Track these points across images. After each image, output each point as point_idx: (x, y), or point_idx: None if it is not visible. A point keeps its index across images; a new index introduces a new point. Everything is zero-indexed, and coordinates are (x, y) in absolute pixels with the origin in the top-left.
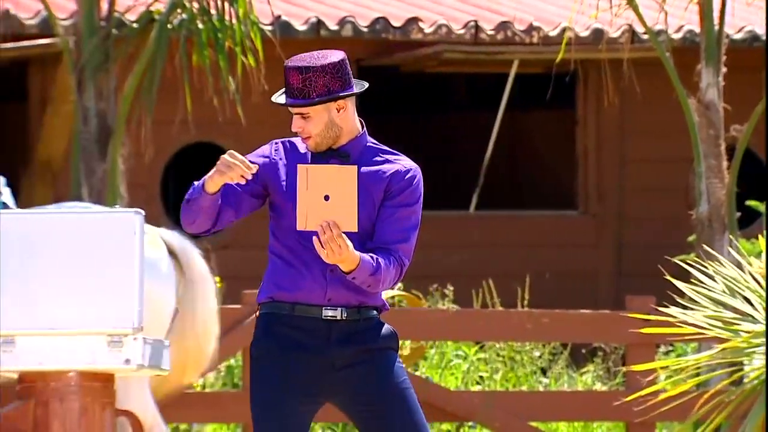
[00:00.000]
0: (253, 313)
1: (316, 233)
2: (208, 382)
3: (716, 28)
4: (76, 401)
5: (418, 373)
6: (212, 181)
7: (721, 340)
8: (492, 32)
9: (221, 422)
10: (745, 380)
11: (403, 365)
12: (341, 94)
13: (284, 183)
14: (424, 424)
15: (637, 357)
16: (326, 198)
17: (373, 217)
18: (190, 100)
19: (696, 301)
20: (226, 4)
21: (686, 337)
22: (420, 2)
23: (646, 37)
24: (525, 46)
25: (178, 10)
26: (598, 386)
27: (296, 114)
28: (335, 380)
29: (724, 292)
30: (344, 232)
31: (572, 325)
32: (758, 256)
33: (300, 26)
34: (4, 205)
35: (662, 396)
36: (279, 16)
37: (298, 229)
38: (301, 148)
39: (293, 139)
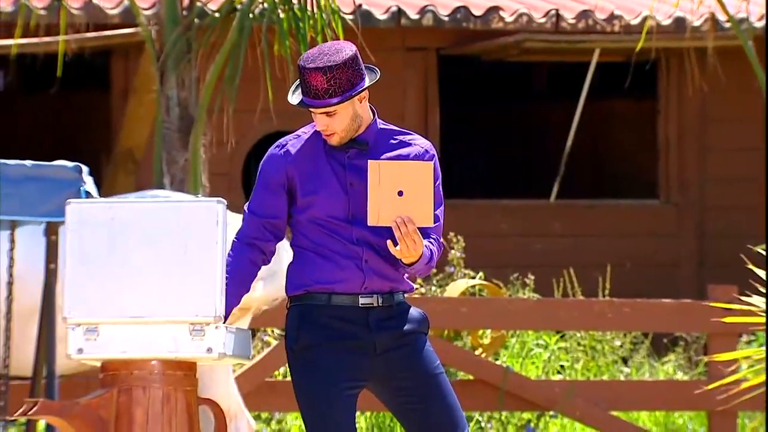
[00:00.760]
0: None
1: (354, 224)
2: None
3: None
4: (158, 389)
5: (498, 362)
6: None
7: None
8: (573, 21)
9: None
10: None
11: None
12: (365, 86)
13: (308, 178)
14: (459, 406)
15: (718, 346)
16: (400, 194)
17: None
18: (271, 89)
19: None
20: None
21: None
22: None
23: (728, 25)
24: (606, 34)
25: (260, 0)
26: (680, 376)
27: (321, 113)
28: (376, 364)
29: None
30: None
31: (653, 314)
32: None
33: (381, 15)
34: (88, 194)
35: (744, 385)
36: (360, 5)
37: (369, 224)
38: (313, 140)
39: (300, 132)
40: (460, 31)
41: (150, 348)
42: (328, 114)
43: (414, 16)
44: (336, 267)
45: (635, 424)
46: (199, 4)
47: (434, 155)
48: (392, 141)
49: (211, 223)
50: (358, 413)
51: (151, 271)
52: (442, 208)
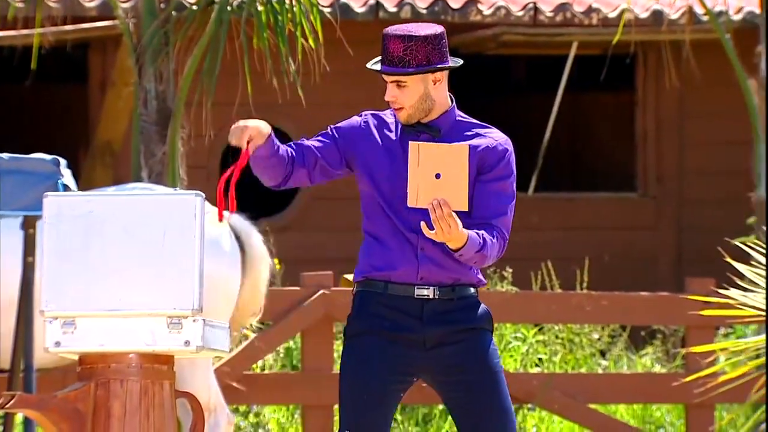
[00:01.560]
0: (311, 296)
1: (412, 211)
2: (267, 364)
3: None
4: (136, 383)
5: None
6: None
7: None
8: (551, 14)
9: (280, 404)
10: None
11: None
12: (440, 66)
13: (374, 157)
14: (512, 411)
15: (696, 339)
16: (437, 176)
17: (469, 193)
18: (250, 82)
19: (756, 283)
20: None
21: (746, 319)
22: None
23: (705, 18)
24: (584, 27)
25: None
26: (658, 368)
27: (392, 82)
28: (426, 359)
29: None
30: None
31: (631, 307)
32: None
33: (359, 8)
34: (65, 187)
35: (721, 378)
36: None
37: (409, 205)
38: (390, 121)
39: (382, 113)
40: (437, 23)
41: (128, 341)
42: (399, 84)
43: (392, 9)
44: (392, 255)
45: (613, 416)
46: None
47: (508, 148)
48: (467, 132)
49: (189, 216)
50: (335, 406)
51: (128, 264)
52: (512, 203)
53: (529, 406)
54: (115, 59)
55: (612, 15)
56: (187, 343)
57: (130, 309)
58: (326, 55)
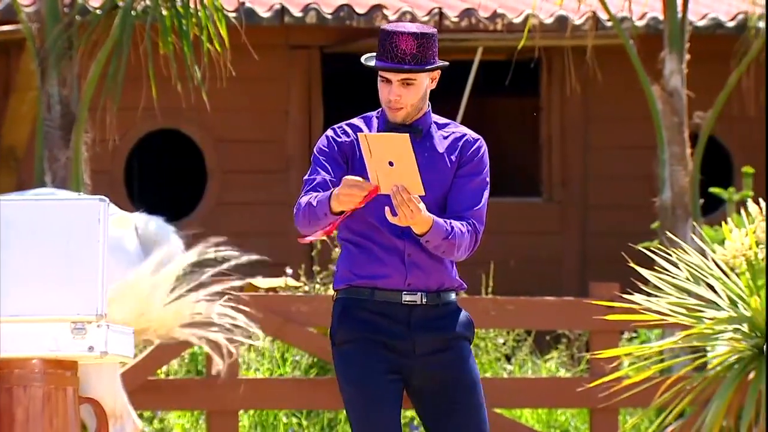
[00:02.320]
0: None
1: (393, 216)
2: (172, 369)
3: (680, 15)
4: (39, 388)
5: None
6: (338, 204)
7: (685, 327)
8: (456, 19)
9: (185, 409)
10: (708, 366)
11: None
12: (444, 64)
13: (354, 161)
14: (486, 421)
15: (600, 343)
16: (390, 164)
17: (446, 189)
18: (155, 87)
19: (660, 288)
20: None
21: (650, 324)
22: None
23: (610, 24)
24: (489, 33)
25: None
26: (562, 373)
27: (399, 80)
28: (415, 364)
29: (687, 279)
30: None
31: (536, 311)
32: (722, 243)
33: (264, 13)
34: None
35: (625, 382)
36: (243, 3)
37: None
38: (362, 123)
39: (352, 121)
40: (343, 29)
41: (31, 347)
42: (406, 83)
43: (297, 14)
44: (378, 261)
45: (518, 421)
46: (80, 1)
47: (482, 146)
48: (443, 132)
49: (92, 221)
50: (240, 411)
51: (32, 269)
52: (485, 198)
53: None
54: (18, 63)
55: (517, 20)
56: (91, 348)
57: (33, 314)
58: (231, 59)
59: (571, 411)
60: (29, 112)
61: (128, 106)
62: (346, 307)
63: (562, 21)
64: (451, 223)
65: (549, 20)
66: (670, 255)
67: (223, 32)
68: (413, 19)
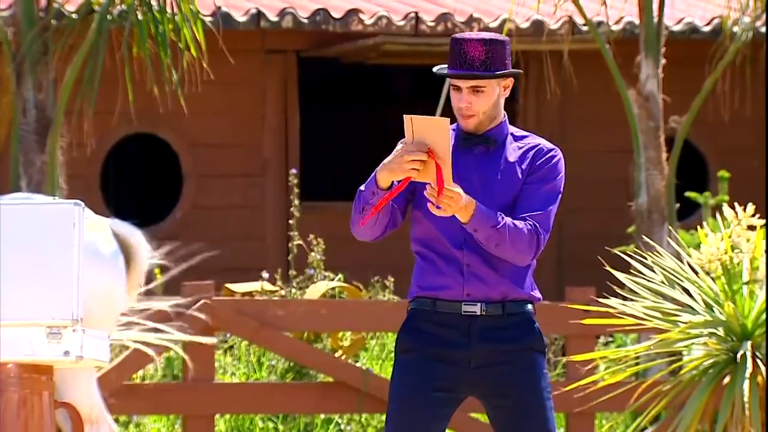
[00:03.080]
0: (192, 305)
1: (457, 228)
2: (148, 373)
3: (655, 19)
4: (15, 393)
5: (358, 365)
6: (383, 177)
7: (660, 331)
8: (432, 24)
9: (161, 414)
10: (684, 370)
11: (547, 372)
12: (515, 72)
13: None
14: None
15: (576, 348)
16: (429, 149)
17: (516, 198)
18: (131, 91)
19: (635, 292)
20: None
21: (626, 328)
22: None
23: (586, 29)
24: None
25: (117, 1)
26: None
27: (469, 87)
28: (472, 377)
29: (663, 283)
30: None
31: None
32: (697, 247)
33: (240, 17)
34: None
35: (601, 386)
36: (219, 7)
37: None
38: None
39: None
40: (319, 33)
41: (6, 351)
42: (476, 89)
43: (273, 18)
44: (439, 272)
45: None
46: (56, 5)
47: (556, 155)
48: (518, 142)
49: (68, 226)
50: (217, 416)
51: (7, 274)
52: (554, 205)
53: None
54: None
55: (493, 25)
56: (66, 353)
57: (8, 318)
58: (208, 64)
59: None
60: (4, 116)
61: (104, 111)
62: (410, 318)
63: (538, 26)
64: (504, 216)
65: (525, 25)
66: (646, 259)
67: (200, 36)
68: (388, 24)
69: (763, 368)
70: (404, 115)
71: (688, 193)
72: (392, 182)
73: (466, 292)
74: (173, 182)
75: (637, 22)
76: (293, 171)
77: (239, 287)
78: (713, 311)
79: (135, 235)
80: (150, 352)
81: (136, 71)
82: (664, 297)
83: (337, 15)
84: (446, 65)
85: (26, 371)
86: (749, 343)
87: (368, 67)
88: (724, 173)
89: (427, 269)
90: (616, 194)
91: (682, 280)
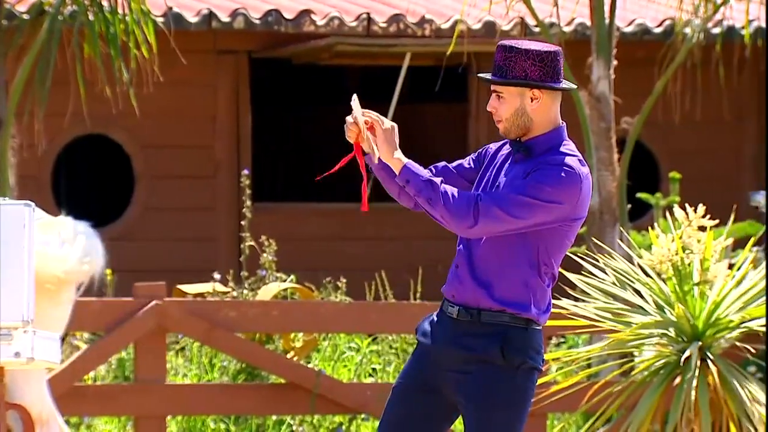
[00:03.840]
0: (144, 306)
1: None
2: (99, 375)
3: (607, 21)
4: None
5: (310, 366)
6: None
7: (612, 332)
8: (384, 25)
9: (112, 415)
10: (635, 371)
11: (526, 387)
12: (535, 83)
13: (480, 173)
14: None
15: None
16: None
17: None
18: (84, 91)
19: (587, 293)
20: None
21: (577, 329)
22: None
23: (538, 30)
24: (417, 38)
25: (68, 1)
26: None
27: (493, 92)
28: (446, 379)
29: (614, 284)
30: None
31: None
32: (648, 248)
33: (192, 18)
34: None
35: (554, 388)
36: (171, 8)
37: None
38: (504, 148)
39: (504, 140)
40: (271, 34)
41: None
42: (498, 95)
43: (225, 18)
44: (450, 271)
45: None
46: (7, 5)
47: (561, 167)
48: (554, 157)
49: (18, 227)
50: (168, 417)
51: None
52: (523, 200)
53: (363, 416)
54: None
55: (445, 26)
56: (17, 354)
57: None
58: (159, 64)
59: None
60: None
61: (55, 112)
62: (437, 312)
63: (490, 27)
64: (443, 181)
65: (477, 26)
66: (598, 260)
67: (151, 37)
68: (341, 24)
69: (713, 368)
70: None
71: (639, 194)
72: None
73: (452, 293)
74: (125, 184)
75: (588, 23)
76: (245, 172)
77: (191, 288)
78: (664, 312)
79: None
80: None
81: (88, 72)
82: (616, 298)
83: (289, 16)
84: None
85: None
86: (699, 343)
87: (320, 67)
88: (675, 174)
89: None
90: None
91: (633, 282)
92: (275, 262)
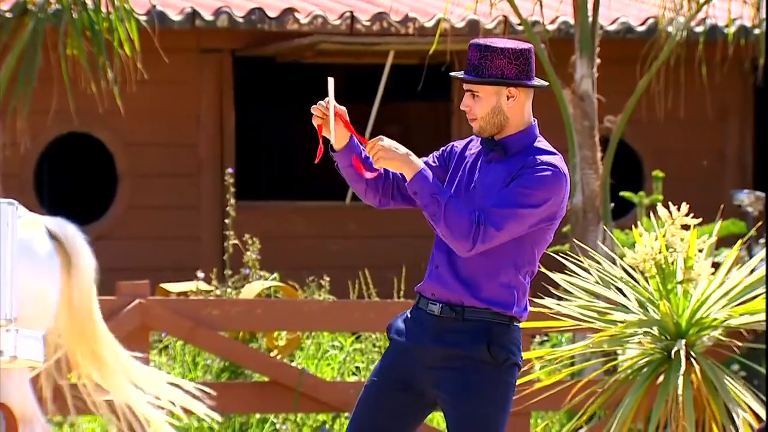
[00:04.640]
0: (127, 305)
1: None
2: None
3: (590, 19)
4: None
5: (294, 364)
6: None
7: (595, 331)
8: (368, 23)
9: (95, 414)
10: (618, 369)
11: (508, 383)
12: (513, 81)
13: (450, 172)
14: None
15: None
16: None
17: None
18: (69, 90)
19: (570, 292)
20: None
21: (561, 328)
22: None
23: (521, 28)
24: (401, 36)
25: (52, 0)
26: None
27: (467, 91)
28: (426, 376)
29: (597, 282)
30: None
31: None
32: (632, 246)
33: (175, 16)
34: None
35: (537, 386)
36: (154, 6)
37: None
38: (472, 146)
39: (469, 138)
40: (255, 32)
41: None
42: (472, 94)
43: (209, 17)
44: (427, 269)
45: (429, 424)
46: None
47: (546, 169)
48: (529, 156)
49: (1, 225)
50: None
51: None
52: (518, 210)
53: (346, 414)
54: None
55: (428, 24)
56: (0, 353)
57: None
58: (143, 63)
59: None
60: None
61: (39, 110)
62: (409, 311)
63: (473, 25)
64: (453, 196)
65: (460, 24)
66: (581, 259)
67: (134, 35)
68: (324, 23)
69: (696, 367)
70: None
71: (622, 193)
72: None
73: (431, 292)
74: (108, 182)
75: (572, 21)
76: (229, 170)
77: (174, 287)
78: (648, 311)
79: (72, 233)
80: None
81: (71, 70)
82: (599, 297)
83: (272, 14)
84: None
85: None
86: (683, 341)
87: (304, 66)
88: (658, 173)
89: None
90: None
91: (616, 280)
92: (259, 261)
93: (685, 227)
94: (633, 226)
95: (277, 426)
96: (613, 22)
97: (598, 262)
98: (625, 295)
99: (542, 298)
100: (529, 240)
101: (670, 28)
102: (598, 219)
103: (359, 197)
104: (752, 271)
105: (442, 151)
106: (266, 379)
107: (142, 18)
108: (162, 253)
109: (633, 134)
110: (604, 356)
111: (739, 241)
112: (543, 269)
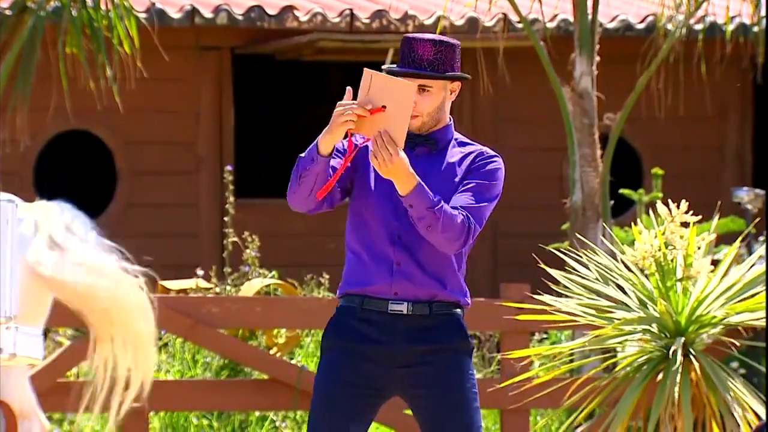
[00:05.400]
0: None
1: (392, 224)
2: (82, 371)
3: (590, 17)
4: None
5: (293, 362)
6: (324, 140)
7: (595, 328)
8: (367, 21)
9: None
10: (618, 367)
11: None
12: (464, 75)
13: (369, 177)
14: None
15: (511, 344)
16: (384, 108)
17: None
18: (67, 87)
19: (570, 289)
20: None
21: (560, 325)
22: None
23: (521, 26)
24: (400, 34)
25: None
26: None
27: (417, 86)
28: (395, 376)
29: (597, 280)
30: None
31: None
32: (631, 244)
33: (175, 14)
34: None
35: (536, 383)
36: (153, 4)
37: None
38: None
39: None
40: (254, 30)
41: None
42: (423, 89)
43: (208, 15)
44: (368, 269)
45: None
46: None
47: (496, 160)
48: (460, 147)
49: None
50: (151, 413)
51: None
52: (488, 204)
53: None
54: None
55: (428, 22)
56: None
57: None
58: (142, 60)
59: (482, 411)
60: None
61: (38, 107)
62: (338, 314)
63: (472, 23)
64: (442, 200)
65: (460, 22)
66: (581, 256)
67: (134, 33)
68: (323, 20)
69: (696, 364)
70: (365, 69)
71: (622, 190)
72: (334, 148)
73: (394, 291)
74: (107, 180)
75: (571, 19)
76: (228, 168)
77: (174, 284)
78: (647, 308)
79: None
80: None
81: (71, 68)
82: (598, 294)
83: (272, 12)
84: (394, 64)
85: None
86: (682, 339)
87: (303, 63)
88: (657, 170)
89: (357, 265)
90: (551, 191)
91: (616, 277)
92: (258, 258)
93: (685, 224)
94: (632, 224)
95: (277, 424)
96: (613, 19)
97: (598, 258)
98: (624, 293)
99: (542, 294)
100: None
101: (669, 26)
102: (598, 216)
103: (290, 197)
104: (751, 267)
105: (344, 149)
106: (266, 376)
107: (142, 15)
108: (161, 250)
109: (632, 132)
110: (603, 354)
111: (739, 239)
112: (543, 266)
